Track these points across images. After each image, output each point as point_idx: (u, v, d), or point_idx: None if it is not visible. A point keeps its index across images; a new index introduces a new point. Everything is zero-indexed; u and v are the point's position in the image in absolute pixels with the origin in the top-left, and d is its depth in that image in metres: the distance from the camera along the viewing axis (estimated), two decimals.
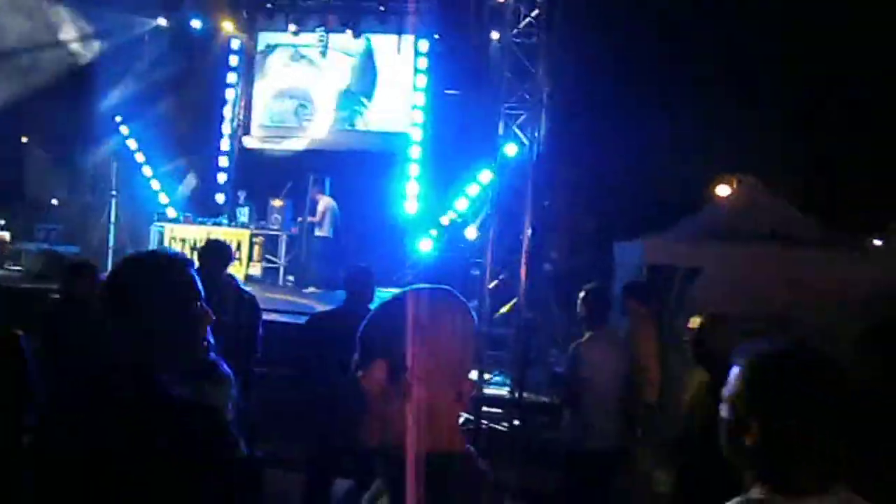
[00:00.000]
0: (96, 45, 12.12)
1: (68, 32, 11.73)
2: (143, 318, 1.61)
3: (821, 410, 1.29)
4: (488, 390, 7.48)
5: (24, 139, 12.86)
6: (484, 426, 6.74)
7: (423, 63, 11.89)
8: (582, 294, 4.14)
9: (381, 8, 12.19)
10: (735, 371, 1.40)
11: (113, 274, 1.70)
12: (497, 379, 7.77)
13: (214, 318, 1.71)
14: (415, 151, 11.59)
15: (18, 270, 10.52)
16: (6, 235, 11.46)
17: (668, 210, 8.93)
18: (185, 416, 1.58)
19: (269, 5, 12.57)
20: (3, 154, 12.33)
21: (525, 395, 7.27)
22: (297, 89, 13.27)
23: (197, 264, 4.35)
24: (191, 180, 12.72)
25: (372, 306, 1.43)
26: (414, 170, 11.50)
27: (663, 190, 10.32)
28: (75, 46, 11.85)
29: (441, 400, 1.20)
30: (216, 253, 4.67)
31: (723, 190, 9.27)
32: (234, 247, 10.92)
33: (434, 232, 10.16)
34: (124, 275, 1.68)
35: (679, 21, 10.65)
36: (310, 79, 13.17)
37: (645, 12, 10.62)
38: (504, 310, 8.20)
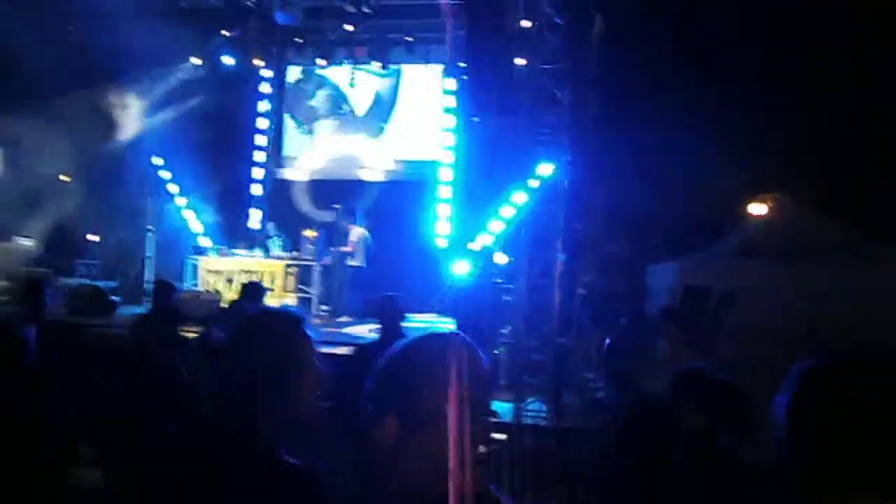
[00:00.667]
0: (131, 85, 12.46)
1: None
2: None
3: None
4: (524, 417, 7.42)
5: (63, 178, 13.18)
6: (519, 453, 6.68)
7: (452, 88, 12.03)
8: (623, 320, 4.12)
9: (409, 38, 12.38)
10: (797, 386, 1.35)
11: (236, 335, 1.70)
12: (533, 406, 7.70)
13: None
14: (445, 176, 11.69)
15: (63, 306, 10.72)
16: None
17: (700, 231, 8.86)
18: (299, 482, 1.58)
19: (297, 40, 12.82)
20: (45, 193, 12.67)
21: (562, 421, 7.20)
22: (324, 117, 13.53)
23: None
24: (254, 215, 13.02)
25: (402, 335, 1.44)
26: (445, 194, 11.59)
27: (695, 211, 10.24)
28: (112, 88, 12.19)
29: (454, 444, 1.21)
30: (255, 293, 4.75)
31: (756, 209, 9.19)
32: (268, 278, 11.11)
33: (465, 263, 10.16)
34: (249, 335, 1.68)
35: (707, 39, 10.63)
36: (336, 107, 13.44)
37: (672, 31, 10.60)
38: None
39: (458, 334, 1.30)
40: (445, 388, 1.21)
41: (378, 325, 4.69)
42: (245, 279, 11.11)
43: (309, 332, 1.71)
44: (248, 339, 1.68)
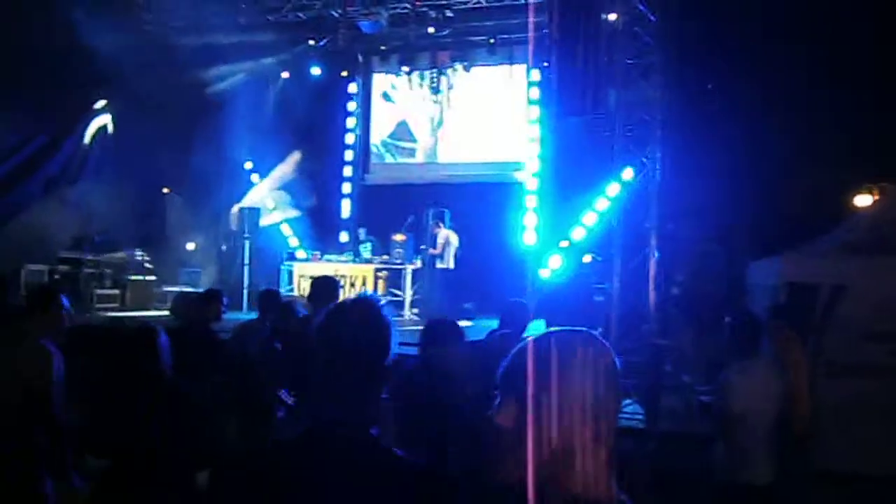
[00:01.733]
0: (224, 99, 12.98)
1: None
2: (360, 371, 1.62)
3: None
4: (620, 419, 7.29)
5: (165, 190, 13.86)
6: (616, 456, 6.56)
7: (536, 93, 11.93)
8: (728, 321, 3.97)
9: (491, 40, 12.38)
10: None
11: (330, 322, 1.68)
12: (629, 408, 7.55)
13: None
14: (531, 182, 11.61)
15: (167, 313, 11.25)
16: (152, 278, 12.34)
17: (803, 225, 8.44)
18: (418, 478, 1.59)
19: (382, 48, 13.03)
20: (149, 204, 13.38)
21: (660, 423, 7.03)
22: (409, 125, 13.70)
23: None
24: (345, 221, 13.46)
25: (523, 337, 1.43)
26: (531, 200, 11.51)
27: (796, 204, 9.75)
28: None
29: (575, 441, 1.20)
30: (325, 289, 4.78)
31: (863, 200, 8.68)
32: (359, 282, 11.34)
33: (556, 261, 10.05)
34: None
35: (801, 23, 10.12)
36: (422, 113, 13.59)
37: (765, 15, 10.13)
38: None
39: (591, 333, 1.29)
40: (568, 379, 1.21)
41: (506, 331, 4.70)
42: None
43: (387, 316, 1.67)
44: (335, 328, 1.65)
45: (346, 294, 11.28)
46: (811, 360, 5.03)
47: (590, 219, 9.90)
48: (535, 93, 11.97)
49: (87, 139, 12.73)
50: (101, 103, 12.70)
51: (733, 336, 3.90)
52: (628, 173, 8.01)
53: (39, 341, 3.54)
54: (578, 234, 10.10)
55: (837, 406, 5.30)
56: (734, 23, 10.08)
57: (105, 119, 12.98)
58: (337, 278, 6.28)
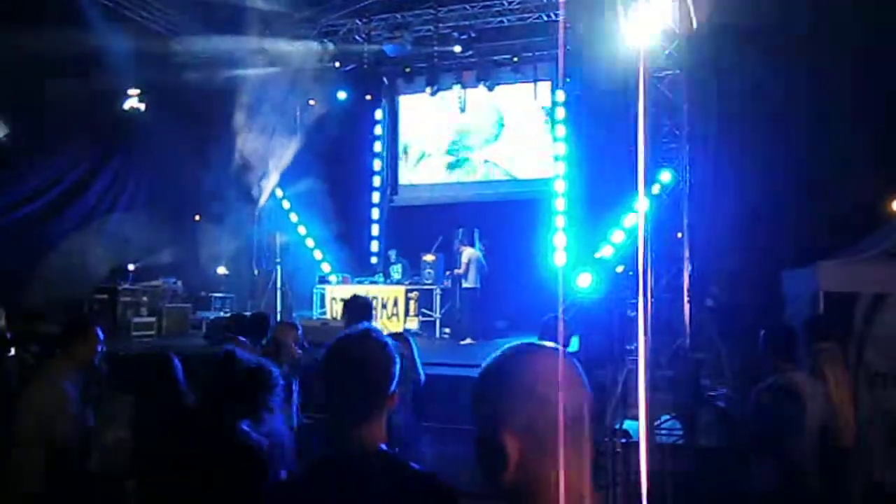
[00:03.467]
0: (254, 125, 13.19)
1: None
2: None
3: None
4: (657, 435, 7.16)
5: (196, 217, 14.09)
6: (656, 473, 6.44)
7: (562, 112, 11.95)
8: (763, 333, 3.90)
9: (515, 59, 12.44)
10: None
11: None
12: (667, 423, 7.43)
13: None
14: (559, 201, 11.61)
15: (203, 337, 11.39)
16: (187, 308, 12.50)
17: (838, 232, 8.25)
18: (429, 489, 1.72)
19: (407, 69, 13.16)
20: (181, 232, 13.60)
21: (698, 438, 6.90)
22: (437, 143, 13.80)
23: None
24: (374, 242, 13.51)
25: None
26: (560, 220, 11.51)
27: (832, 210, 9.55)
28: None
29: (550, 462, 1.19)
30: (360, 309, 4.78)
31: None
32: (390, 303, 11.37)
33: (587, 277, 9.98)
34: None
35: (836, 28, 9.93)
36: (447, 131, 13.68)
37: (798, 20, 9.94)
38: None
39: (545, 346, 1.29)
40: (531, 400, 1.21)
41: None
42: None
43: (389, 346, 1.83)
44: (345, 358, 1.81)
45: (378, 315, 11.35)
46: (853, 372, 4.91)
47: (623, 229, 9.84)
48: (562, 104, 12.01)
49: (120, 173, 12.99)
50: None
51: (768, 348, 3.83)
52: (664, 176, 7.94)
53: (62, 382, 3.64)
54: (608, 249, 10.04)
55: (883, 417, 5.17)
56: (766, 28, 9.94)
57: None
58: (369, 297, 6.30)
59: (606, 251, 10.11)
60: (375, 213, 14.08)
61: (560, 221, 11.50)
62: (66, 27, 10.01)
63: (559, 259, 11.25)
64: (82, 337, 3.93)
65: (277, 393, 2.87)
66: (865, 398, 5.15)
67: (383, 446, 1.76)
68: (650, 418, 7.03)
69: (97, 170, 12.38)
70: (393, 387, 1.80)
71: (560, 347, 1.29)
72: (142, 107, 12.29)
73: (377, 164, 14.26)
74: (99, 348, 4.00)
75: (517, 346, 1.30)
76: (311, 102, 13.47)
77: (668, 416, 7.39)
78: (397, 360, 1.83)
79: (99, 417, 3.81)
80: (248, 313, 6.30)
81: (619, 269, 9.36)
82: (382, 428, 1.78)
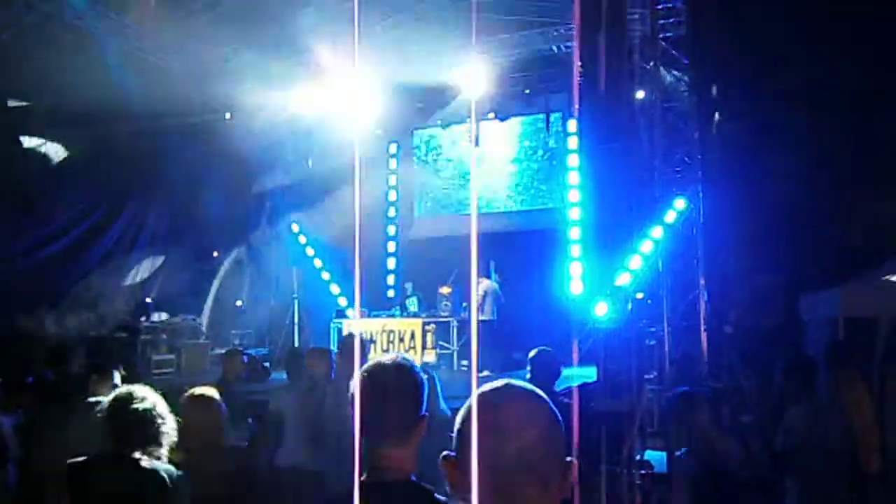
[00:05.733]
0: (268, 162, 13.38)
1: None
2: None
3: None
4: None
5: (215, 253, 14.24)
6: None
7: (574, 142, 12.01)
8: (780, 364, 3.87)
9: (526, 91, 12.56)
10: None
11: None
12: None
13: None
14: (574, 230, 11.59)
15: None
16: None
17: (858, 257, 8.18)
18: None
19: (419, 105, 13.31)
20: (200, 269, 13.75)
21: (718, 468, 6.79)
22: (450, 176, 13.91)
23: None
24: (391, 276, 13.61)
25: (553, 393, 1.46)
26: (575, 249, 11.48)
27: (851, 234, 9.46)
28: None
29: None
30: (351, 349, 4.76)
31: None
32: (407, 336, 11.37)
33: (604, 306, 9.92)
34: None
35: (850, 49, 9.87)
36: (460, 164, 13.82)
37: (810, 43, 9.87)
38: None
39: (521, 386, 1.31)
40: (499, 440, 1.22)
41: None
42: (386, 338, 11.45)
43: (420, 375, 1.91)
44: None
45: (396, 349, 11.35)
46: (877, 396, 4.83)
47: (636, 262, 9.79)
48: (573, 142, 12.06)
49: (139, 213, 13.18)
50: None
51: (787, 380, 3.80)
52: (678, 204, 7.95)
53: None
54: (625, 278, 9.98)
55: None
56: (775, 53, 9.92)
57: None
58: (364, 336, 6.31)
59: (624, 278, 10.06)
60: (391, 246, 14.16)
61: (575, 251, 11.48)
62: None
63: (575, 288, 11.21)
64: (103, 381, 3.99)
65: None
66: (893, 422, 5.06)
67: (413, 476, 1.80)
68: (669, 450, 6.94)
69: (116, 210, 12.58)
70: (423, 411, 1.86)
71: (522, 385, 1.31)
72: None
73: (392, 198, 14.38)
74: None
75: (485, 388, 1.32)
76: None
77: (686, 449, 7.29)
78: (426, 384, 1.90)
79: None
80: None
81: (640, 295, 9.31)
82: (413, 453, 1.84)
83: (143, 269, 12.89)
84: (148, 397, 2.78)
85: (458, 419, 1.31)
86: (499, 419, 1.23)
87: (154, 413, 2.74)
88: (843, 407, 3.92)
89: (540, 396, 1.30)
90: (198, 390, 3.40)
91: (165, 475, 2.67)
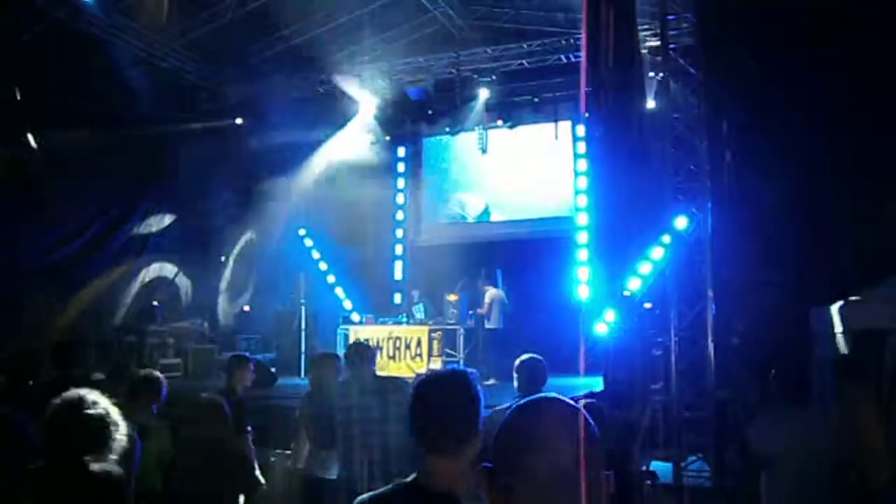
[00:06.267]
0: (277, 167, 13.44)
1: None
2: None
3: None
4: (685, 477, 7.06)
5: (223, 258, 14.31)
6: None
7: (583, 148, 12.03)
8: (774, 372, 3.85)
9: (535, 99, 12.60)
10: None
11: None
12: (694, 465, 7.31)
13: None
14: (582, 236, 11.59)
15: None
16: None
17: (868, 268, 8.12)
18: None
19: (429, 112, 13.35)
20: (208, 272, 13.82)
21: (726, 480, 6.78)
22: (459, 182, 13.94)
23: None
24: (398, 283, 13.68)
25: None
26: (583, 254, 11.47)
27: (862, 244, 9.39)
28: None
29: None
30: (360, 352, 4.74)
31: None
32: (414, 343, 11.37)
33: (610, 315, 9.91)
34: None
35: (860, 58, 9.82)
36: (470, 173, 13.81)
37: (819, 54, 9.83)
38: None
39: (560, 400, 1.29)
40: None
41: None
42: (392, 345, 11.44)
43: (476, 386, 1.89)
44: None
45: (402, 355, 11.35)
46: (885, 410, 4.79)
47: (644, 268, 9.77)
48: (582, 147, 12.09)
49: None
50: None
51: (777, 386, 3.78)
52: (681, 222, 7.94)
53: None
54: (633, 285, 9.96)
55: None
56: (786, 63, 9.87)
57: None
58: (371, 343, 6.30)
59: (633, 285, 10.04)
60: (399, 252, 14.18)
61: (583, 255, 11.47)
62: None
63: (582, 293, 11.19)
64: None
65: None
66: None
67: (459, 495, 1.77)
68: (677, 459, 6.93)
69: (128, 212, 12.65)
70: (476, 426, 1.86)
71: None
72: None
73: (400, 202, 14.40)
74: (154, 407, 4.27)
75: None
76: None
77: (694, 458, 7.28)
78: (482, 398, 1.90)
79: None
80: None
81: (648, 305, 9.29)
82: (464, 469, 1.81)
83: (151, 272, 12.96)
84: (100, 402, 2.65)
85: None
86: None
87: (108, 420, 2.62)
88: (852, 420, 3.89)
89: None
90: (204, 397, 3.43)
91: (116, 479, 2.59)
